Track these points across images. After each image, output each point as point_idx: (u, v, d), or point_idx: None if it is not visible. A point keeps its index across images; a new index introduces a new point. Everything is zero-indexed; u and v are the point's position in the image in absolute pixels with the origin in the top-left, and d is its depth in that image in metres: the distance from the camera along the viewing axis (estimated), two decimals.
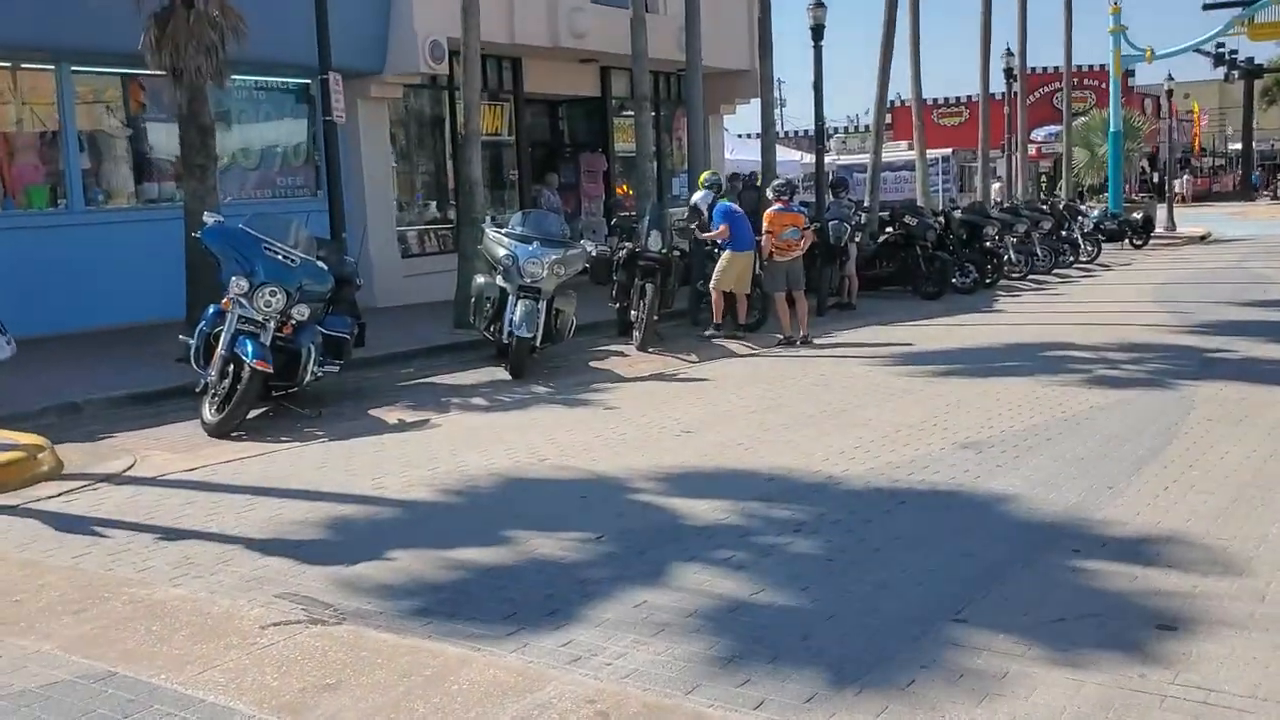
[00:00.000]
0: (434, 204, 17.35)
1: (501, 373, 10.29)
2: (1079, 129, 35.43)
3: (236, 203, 13.99)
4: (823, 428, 7.66)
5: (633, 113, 16.87)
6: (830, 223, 14.98)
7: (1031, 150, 33.80)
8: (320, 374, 8.74)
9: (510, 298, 10.36)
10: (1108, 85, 33.06)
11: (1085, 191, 36.27)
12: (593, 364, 11.08)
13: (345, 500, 6.00)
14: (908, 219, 16.82)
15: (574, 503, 5.94)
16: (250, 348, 7.91)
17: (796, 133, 46.79)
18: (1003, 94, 32.35)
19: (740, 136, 34.62)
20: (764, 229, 12.34)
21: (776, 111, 63.47)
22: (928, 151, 24.02)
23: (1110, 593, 4.39)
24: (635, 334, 12.04)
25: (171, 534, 5.49)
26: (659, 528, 5.37)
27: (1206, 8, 35.30)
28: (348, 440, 7.66)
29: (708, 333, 12.35)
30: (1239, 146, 60.36)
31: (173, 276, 11.23)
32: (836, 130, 48.06)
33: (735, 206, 12.63)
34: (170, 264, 11.43)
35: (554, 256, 10.45)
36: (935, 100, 45.24)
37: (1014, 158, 30.37)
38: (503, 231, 11.02)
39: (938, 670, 3.69)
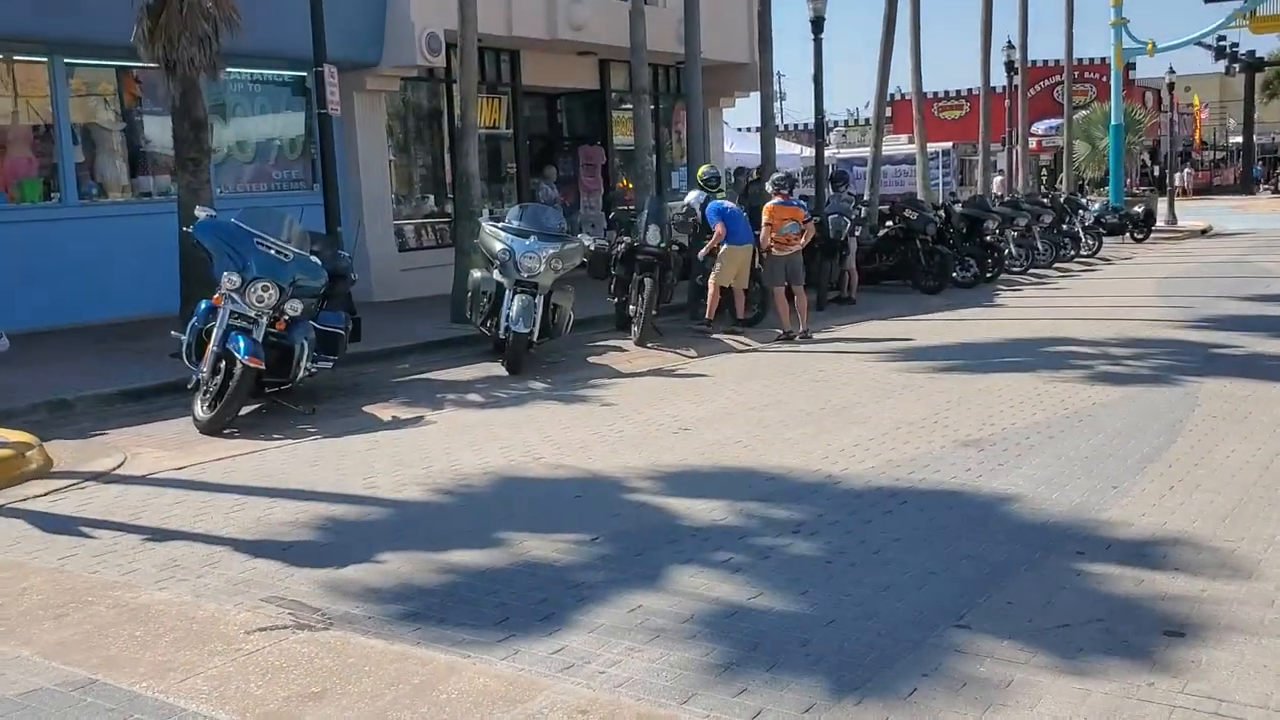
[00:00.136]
0: (431, 198, 17.23)
1: (498, 368, 10.19)
2: (1080, 122, 35.28)
3: (232, 196, 13.90)
4: (822, 425, 7.56)
5: (631, 106, 16.75)
6: (830, 217, 14.86)
7: (1032, 144, 33.66)
8: (314, 370, 8.65)
9: (507, 292, 10.25)
10: (1108, 78, 32.93)
11: (1085, 185, 36.11)
12: (590, 359, 10.97)
13: (336, 500, 5.90)
14: (908, 213, 16.71)
15: (569, 503, 5.84)
16: (242, 344, 7.81)
17: (796, 126, 46.65)
18: (1003, 87, 32.22)
19: (740, 130, 34.45)
20: (763, 223, 12.23)
21: (776, 105, 63.33)
22: (928, 145, 23.89)
23: (1116, 597, 4.29)
24: (634, 329, 11.94)
25: (159, 535, 5.39)
26: (655, 529, 5.27)
27: (1208, 0, 35.11)
28: (341, 438, 7.56)
29: (698, 327, 12.22)
30: (1239, 140, 60.19)
31: (167, 271, 11.11)
32: (836, 124, 47.93)
33: (727, 204, 12.48)
34: (165, 258, 11.30)
35: (551, 251, 10.35)
36: (936, 93, 45.09)
37: (1015, 151, 30.24)
38: (499, 225, 10.91)
39: (940, 679, 3.59)
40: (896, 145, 30.93)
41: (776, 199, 12.30)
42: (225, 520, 5.60)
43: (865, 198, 19.11)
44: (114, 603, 4.43)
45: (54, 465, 6.89)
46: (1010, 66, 29.59)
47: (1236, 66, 44.12)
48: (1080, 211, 22.39)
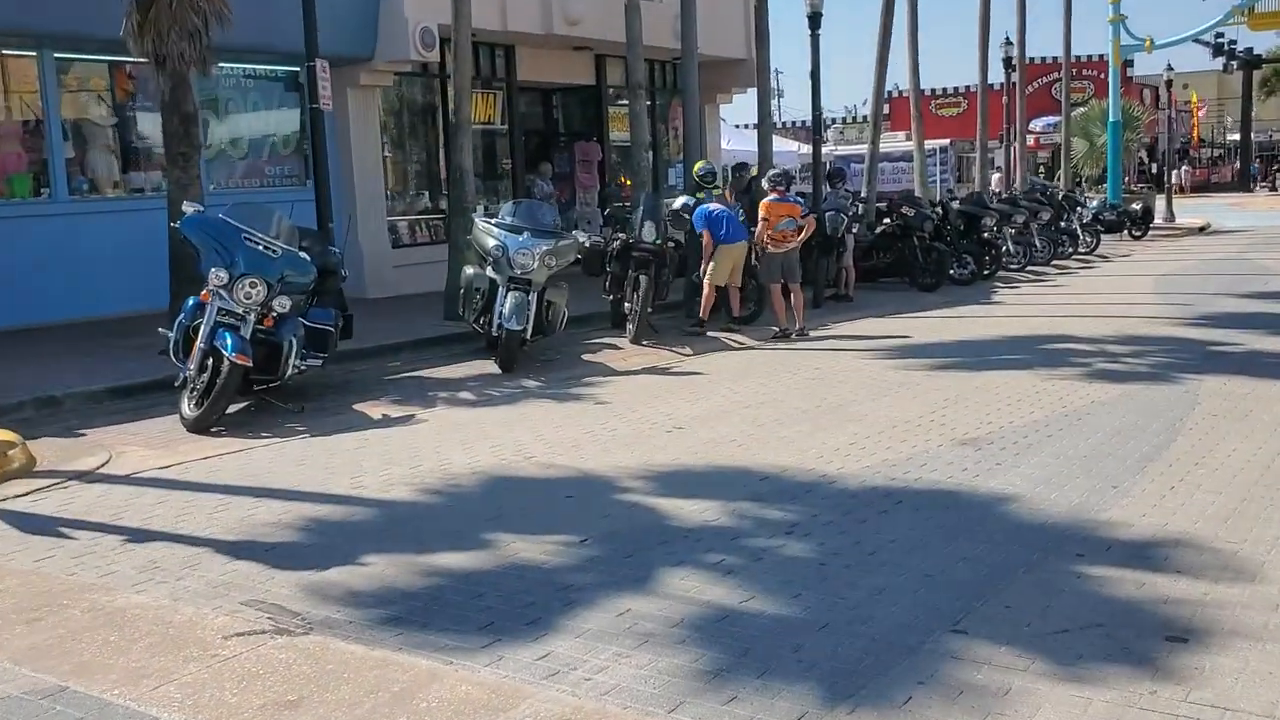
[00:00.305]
0: (426, 194, 17.10)
1: (491, 366, 10.08)
2: (1078, 119, 35.17)
3: (225, 192, 13.79)
4: (817, 423, 7.45)
5: (628, 101, 16.62)
6: (827, 214, 14.75)
7: (1030, 141, 33.58)
8: (303, 367, 8.53)
9: (500, 289, 10.14)
10: (1106, 75, 32.83)
11: (1084, 182, 36.02)
12: (585, 357, 10.87)
13: (322, 500, 5.79)
14: (905, 210, 16.61)
15: (559, 503, 5.73)
16: (229, 341, 7.69)
17: (794, 123, 46.56)
18: (1002, 84, 32.10)
19: (738, 127, 34.33)
20: (759, 218, 12.12)
21: (774, 102, 63.20)
22: (926, 142, 23.78)
23: (1117, 600, 4.19)
24: (629, 326, 11.83)
25: (139, 535, 5.28)
26: (647, 530, 5.17)
27: None
28: (330, 436, 7.45)
29: (690, 328, 12.09)
30: (1237, 137, 60.11)
31: (158, 267, 10.98)
32: (834, 121, 47.85)
33: (714, 206, 12.33)
34: (156, 254, 11.18)
35: (545, 247, 10.23)
36: (934, 91, 44.99)
37: (1013, 148, 30.14)
38: (493, 222, 10.80)
39: (936, 686, 3.49)
40: (894, 142, 30.78)
41: (773, 195, 12.20)
42: (208, 521, 5.49)
43: (862, 195, 18.99)
44: (90, 606, 4.32)
45: (37, 464, 6.78)
46: (1008, 63, 29.47)
47: (1234, 64, 44.05)
48: (1078, 209, 22.30)
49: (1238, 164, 57.86)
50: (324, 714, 3.34)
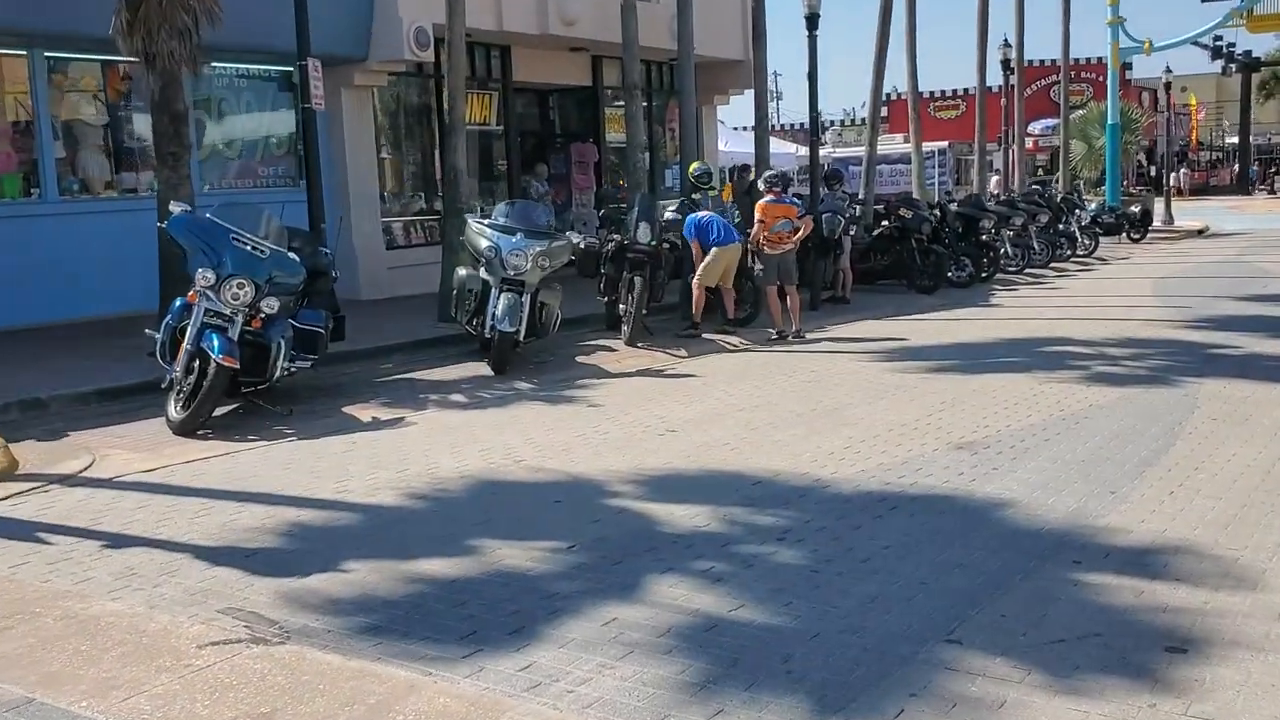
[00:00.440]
0: (421, 195, 17.00)
1: (484, 368, 9.97)
2: (1076, 122, 35.09)
3: (218, 192, 13.69)
4: (812, 427, 7.35)
5: (624, 103, 16.53)
6: (824, 215, 14.67)
7: (1029, 143, 33.50)
8: (292, 369, 8.43)
9: (493, 291, 10.04)
10: (1105, 78, 32.75)
11: (1082, 184, 35.94)
12: (579, 359, 10.77)
13: (306, 505, 5.69)
14: (903, 212, 16.51)
15: (547, 508, 5.62)
16: (216, 342, 7.59)
17: (793, 125, 46.49)
18: (1000, 86, 32.03)
19: (736, 129, 34.25)
20: (755, 220, 12.02)
21: (772, 104, 63.11)
22: (924, 144, 23.70)
23: (1115, 609, 4.09)
24: (623, 328, 11.72)
25: (118, 541, 5.17)
26: (635, 535, 5.06)
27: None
28: (317, 439, 7.34)
29: (685, 331, 11.98)
30: (1235, 140, 60.07)
31: (150, 268, 10.87)
32: (833, 123, 47.77)
33: (702, 214, 12.23)
34: (147, 255, 11.07)
35: (538, 248, 10.13)
36: (932, 93, 44.92)
37: (1011, 151, 30.06)
38: (486, 222, 10.69)
39: (929, 698, 3.39)
40: (892, 145, 30.71)
41: (769, 197, 12.10)
42: (189, 525, 5.38)
43: (860, 196, 18.90)
44: (63, 614, 4.22)
45: (20, 467, 6.66)
46: (1006, 65, 29.39)
47: (1233, 67, 43.96)
48: (1077, 211, 22.21)
49: (1236, 167, 57.82)
50: None
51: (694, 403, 8.39)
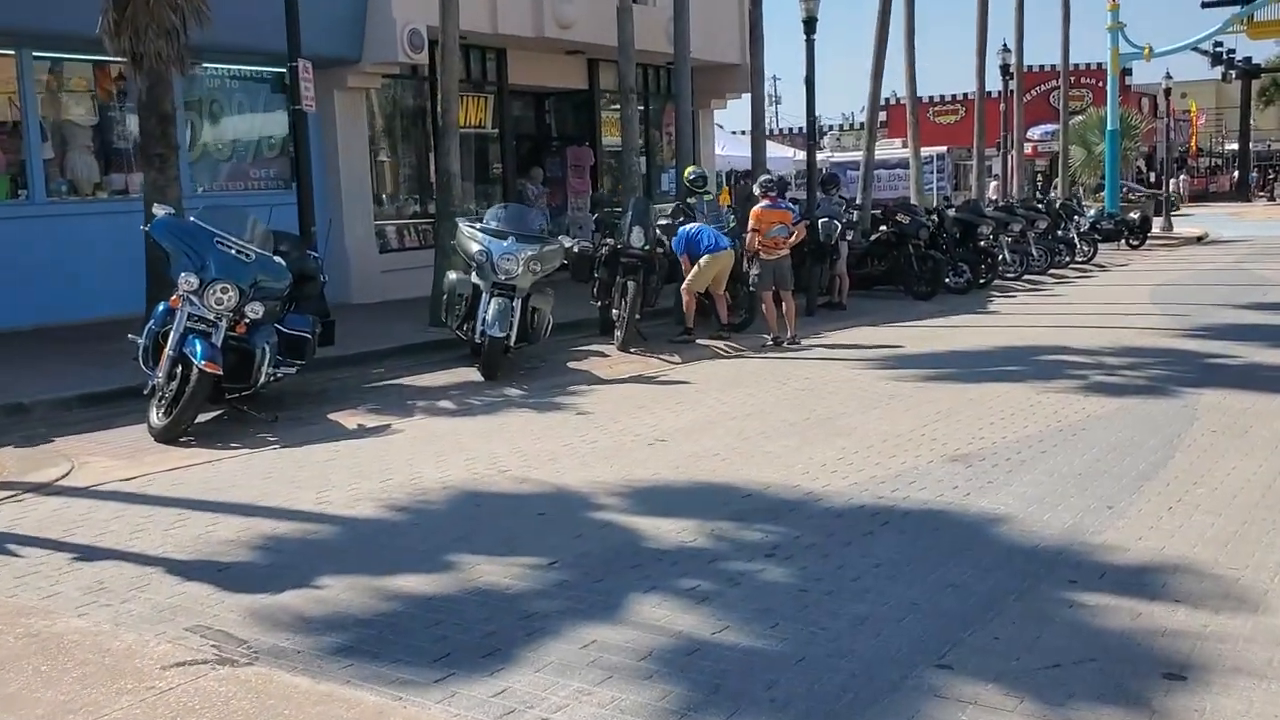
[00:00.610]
0: (415, 198, 16.87)
1: (474, 374, 9.85)
2: (1076, 128, 35.00)
3: (210, 195, 13.58)
4: (805, 437, 7.22)
5: (620, 106, 16.42)
6: (820, 220, 14.54)
7: (1028, 149, 33.38)
8: (277, 375, 8.30)
9: (484, 295, 9.91)
10: (1104, 84, 32.67)
11: (1081, 190, 35.84)
12: (571, 364, 10.64)
13: (284, 516, 5.55)
14: (900, 217, 16.39)
15: (530, 521, 5.48)
16: (199, 348, 7.45)
17: (791, 129, 46.41)
18: (999, 92, 31.96)
19: (734, 133, 34.16)
20: (749, 227, 11.90)
21: (771, 109, 63.01)
22: (922, 149, 23.58)
23: (1111, 632, 3.96)
24: (616, 333, 11.60)
25: (89, 554, 5.04)
26: (619, 551, 4.93)
27: (1205, 5, 34.85)
28: (300, 447, 7.21)
29: (678, 337, 11.84)
30: (1235, 147, 59.97)
31: (139, 271, 10.75)
32: (831, 127, 47.69)
33: (690, 226, 12.09)
34: (136, 258, 10.93)
35: (530, 252, 10.00)
36: (931, 98, 44.83)
37: (1010, 156, 29.97)
38: (477, 226, 10.56)
39: None
40: (891, 149, 30.62)
41: (764, 202, 11.98)
42: (163, 538, 5.25)
43: (858, 201, 18.79)
44: (25, 631, 4.08)
45: None
46: (1006, 70, 29.31)
47: (1233, 73, 43.91)
48: (1075, 217, 22.10)
49: (1235, 173, 57.72)
50: None
51: (685, 411, 8.26)
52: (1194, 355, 10.34)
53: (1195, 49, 34.01)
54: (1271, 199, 52.25)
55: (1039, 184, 36.97)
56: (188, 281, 7.63)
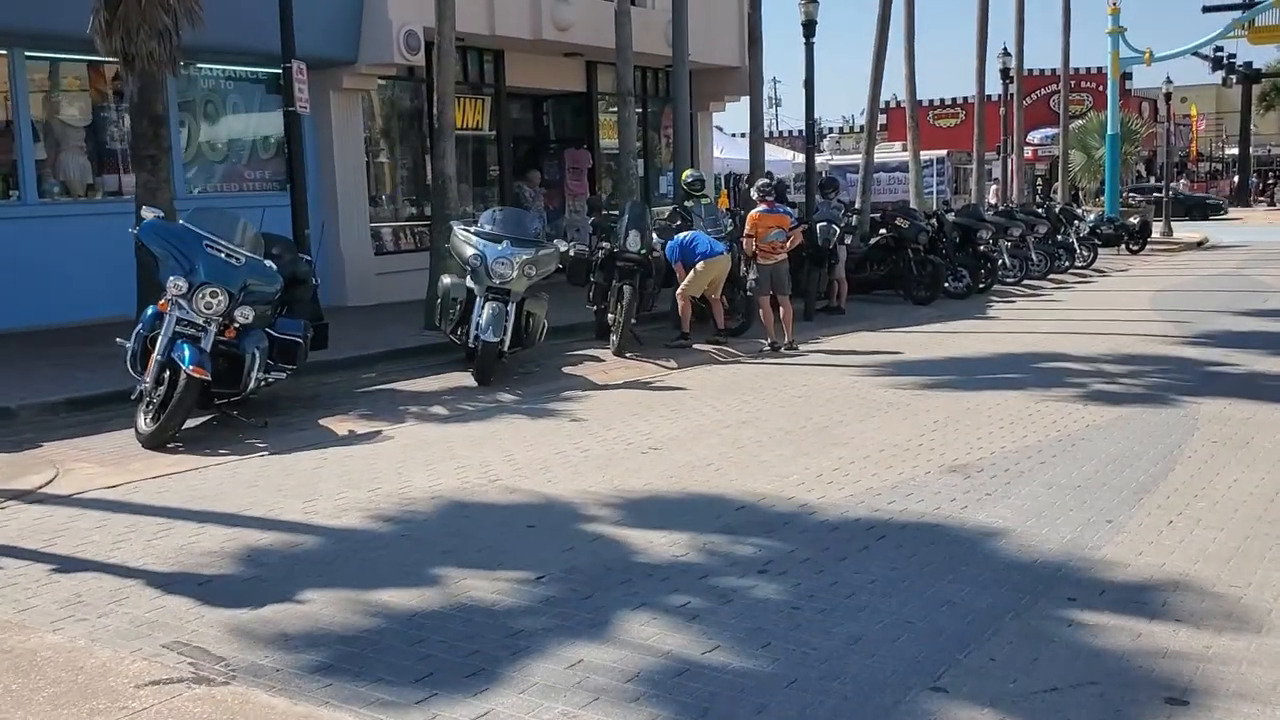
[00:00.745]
0: (411, 200, 16.77)
1: (467, 379, 9.75)
2: (1076, 132, 34.92)
3: (205, 197, 13.49)
4: (801, 446, 7.13)
5: (617, 108, 16.33)
6: (819, 224, 14.46)
7: (1028, 153, 33.30)
8: (268, 380, 8.20)
9: (478, 299, 9.82)
10: (1105, 88, 32.61)
11: (1080, 194, 35.77)
12: (566, 370, 10.54)
13: (269, 526, 5.45)
14: (900, 221, 16.29)
15: (519, 533, 5.38)
16: (187, 353, 7.35)
17: (791, 132, 46.36)
18: (999, 95, 31.87)
19: (734, 136, 34.09)
20: (745, 232, 11.80)
21: (771, 111, 62.98)
22: (922, 153, 23.51)
23: (1111, 654, 3.86)
24: (612, 338, 11.50)
25: (69, 565, 4.94)
26: (609, 566, 4.83)
27: (1206, 10, 34.81)
28: (289, 454, 7.11)
29: (674, 343, 11.74)
30: (1235, 152, 59.90)
31: (131, 273, 10.65)
32: (831, 130, 47.62)
33: (684, 234, 11.98)
34: (129, 260, 10.83)
35: (524, 256, 9.90)
36: (931, 101, 44.80)
37: (1010, 160, 29.88)
38: (471, 230, 10.47)
39: None
40: (891, 153, 30.53)
41: (761, 206, 11.89)
42: (144, 549, 5.15)
43: (857, 205, 18.70)
44: None
45: None
46: (1006, 74, 29.23)
47: (1233, 78, 43.81)
48: (1075, 222, 22.02)
49: (1236, 178, 57.65)
50: None
51: (680, 418, 8.17)
52: (1194, 363, 10.25)
53: (1196, 53, 33.92)
54: (1271, 204, 52.21)
55: (1039, 188, 36.92)
56: (176, 285, 7.53)
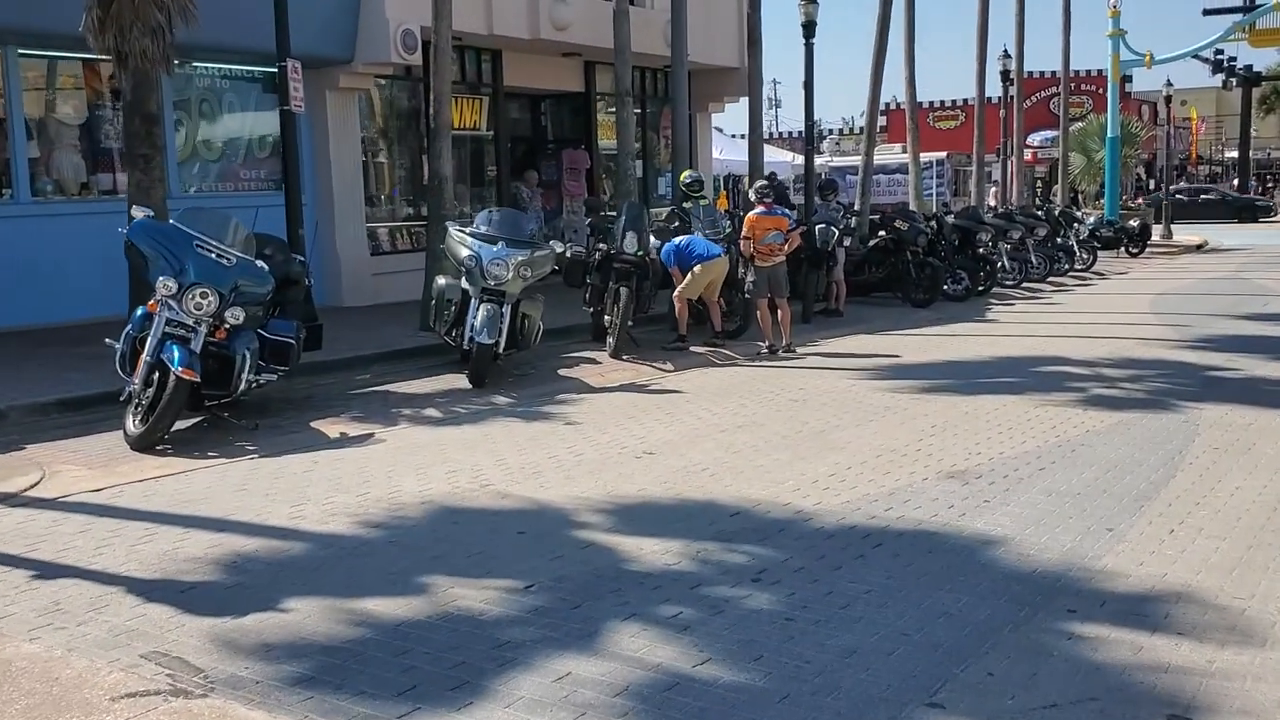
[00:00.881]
0: (408, 200, 16.68)
1: (462, 381, 9.66)
2: (1076, 134, 34.85)
3: (201, 196, 13.40)
4: (797, 451, 7.04)
5: (615, 109, 16.24)
6: (817, 226, 14.37)
7: (1028, 155, 33.23)
8: (259, 382, 8.11)
9: (473, 301, 9.73)
10: (1105, 90, 32.54)
11: (1080, 197, 35.69)
12: (561, 372, 10.45)
13: (255, 532, 5.36)
14: (899, 223, 16.21)
15: (509, 540, 5.29)
16: (176, 354, 7.26)
17: (791, 134, 46.30)
18: (999, 98, 31.80)
19: (733, 137, 34.01)
20: (743, 234, 11.71)
21: (771, 113, 62.90)
22: (922, 155, 23.43)
23: (1112, 668, 3.77)
24: (608, 340, 11.41)
25: (50, 571, 4.85)
26: (600, 574, 4.73)
27: (1207, 13, 34.76)
28: (279, 457, 7.02)
29: (672, 345, 11.65)
30: (1235, 155, 59.81)
31: (125, 273, 10.56)
32: (831, 132, 47.56)
33: (679, 239, 11.89)
34: (122, 259, 10.73)
35: (520, 257, 9.80)
36: (931, 103, 44.73)
37: (1010, 162, 29.81)
38: (467, 230, 10.37)
39: None
40: (891, 154, 30.45)
41: (759, 208, 11.79)
42: (128, 554, 5.06)
43: (856, 207, 18.62)
44: None
45: None
46: (1006, 76, 29.16)
47: (1233, 81, 43.75)
48: (1075, 225, 21.94)
49: (1235, 182, 57.57)
50: None
51: (675, 422, 8.08)
52: (1195, 368, 10.16)
53: (1196, 56, 33.89)
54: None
55: (1038, 191, 36.84)
56: (166, 286, 7.44)
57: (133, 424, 7.40)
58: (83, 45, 10.77)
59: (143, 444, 7.25)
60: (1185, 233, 31.68)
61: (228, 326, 7.71)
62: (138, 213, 7.99)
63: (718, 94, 20.78)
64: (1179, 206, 39.59)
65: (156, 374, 7.38)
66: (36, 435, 7.76)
